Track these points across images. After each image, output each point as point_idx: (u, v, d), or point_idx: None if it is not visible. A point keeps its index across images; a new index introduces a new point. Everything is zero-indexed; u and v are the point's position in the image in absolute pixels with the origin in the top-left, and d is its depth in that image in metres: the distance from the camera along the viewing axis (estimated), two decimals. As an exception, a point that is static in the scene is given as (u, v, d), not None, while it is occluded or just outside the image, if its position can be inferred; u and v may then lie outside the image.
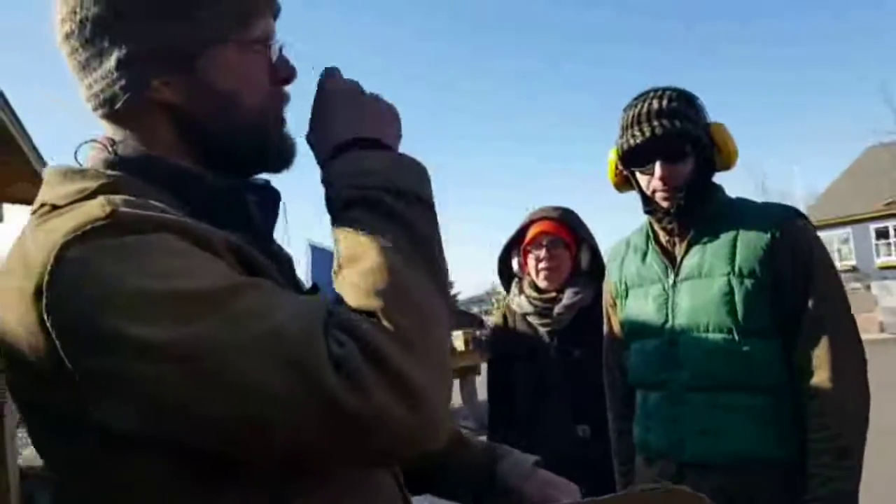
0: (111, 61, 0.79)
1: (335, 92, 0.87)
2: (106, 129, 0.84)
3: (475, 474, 1.06)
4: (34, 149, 4.73)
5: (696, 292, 1.65)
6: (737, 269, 1.60)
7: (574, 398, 2.18)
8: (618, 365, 1.92)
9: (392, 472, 0.88)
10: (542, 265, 2.25)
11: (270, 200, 0.90)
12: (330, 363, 0.62)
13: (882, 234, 22.81)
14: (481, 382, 6.99)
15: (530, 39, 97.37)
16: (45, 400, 0.70)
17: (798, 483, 1.51)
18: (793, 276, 1.56)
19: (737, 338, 1.57)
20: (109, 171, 0.79)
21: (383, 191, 0.75)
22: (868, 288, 15.76)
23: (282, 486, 0.72)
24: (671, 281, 1.71)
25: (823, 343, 1.52)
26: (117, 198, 0.71)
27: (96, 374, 0.64)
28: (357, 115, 0.84)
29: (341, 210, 0.76)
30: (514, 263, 2.38)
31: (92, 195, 0.73)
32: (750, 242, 1.61)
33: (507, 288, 2.45)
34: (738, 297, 1.58)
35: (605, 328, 2.00)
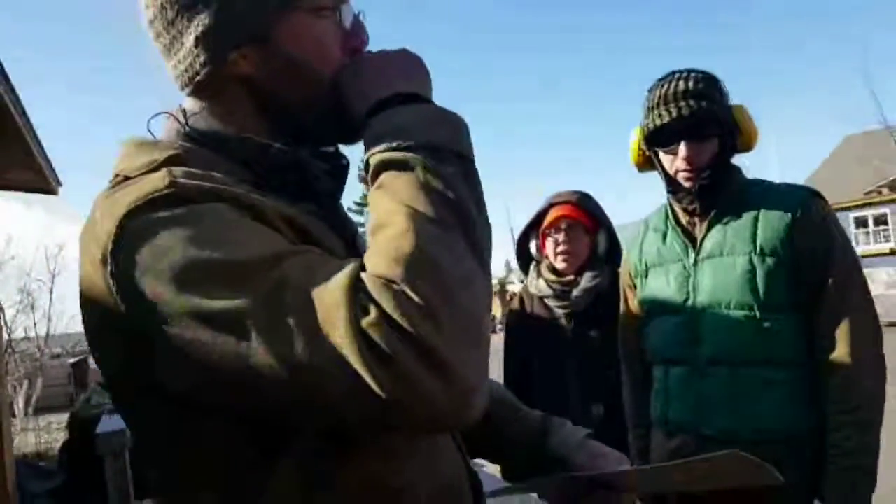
0: (190, 39, 0.82)
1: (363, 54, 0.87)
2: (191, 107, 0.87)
3: (528, 443, 1.07)
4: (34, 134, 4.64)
5: (717, 271, 1.68)
6: (758, 247, 1.63)
7: (589, 379, 2.21)
8: (635, 342, 1.95)
9: (451, 434, 0.89)
10: (560, 248, 2.27)
11: (339, 168, 0.91)
12: (356, 333, 0.62)
13: (861, 222, 23.14)
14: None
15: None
16: (118, 360, 0.73)
17: (819, 456, 1.55)
18: (812, 254, 1.60)
19: (758, 314, 1.61)
20: (179, 143, 0.82)
21: (418, 149, 0.73)
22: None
23: (334, 451, 0.74)
24: (692, 260, 1.74)
25: (843, 320, 1.57)
26: (179, 170, 0.74)
27: (149, 336, 0.67)
28: (389, 71, 0.83)
29: (374, 175, 0.75)
30: (533, 247, 2.40)
31: (159, 167, 0.76)
32: (771, 222, 1.64)
33: (525, 271, 2.47)
34: (759, 276, 1.62)
35: (622, 307, 2.03)
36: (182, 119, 0.84)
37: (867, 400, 1.53)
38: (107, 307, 0.69)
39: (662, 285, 1.80)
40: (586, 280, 2.25)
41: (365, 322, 0.62)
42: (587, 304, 2.25)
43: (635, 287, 1.94)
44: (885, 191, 20.60)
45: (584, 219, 2.28)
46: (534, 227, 2.39)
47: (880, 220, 22.56)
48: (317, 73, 0.85)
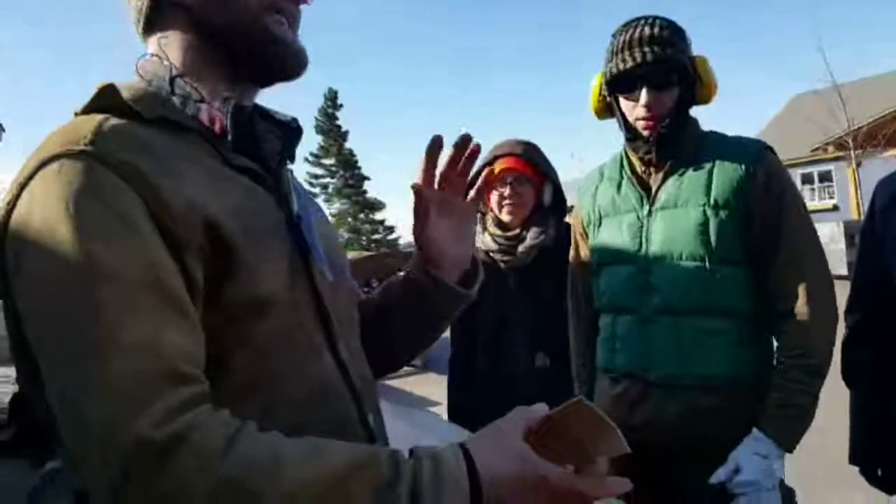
0: None
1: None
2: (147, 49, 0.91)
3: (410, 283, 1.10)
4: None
5: (671, 222, 1.70)
6: (712, 200, 1.65)
7: (534, 330, 2.23)
8: (584, 292, 1.97)
9: (354, 393, 0.90)
10: (505, 201, 2.25)
11: (290, 132, 0.95)
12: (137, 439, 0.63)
13: (807, 179, 23.74)
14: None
15: None
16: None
17: (762, 402, 1.59)
18: (765, 208, 1.62)
19: (709, 266, 1.63)
20: (140, 85, 0.85)
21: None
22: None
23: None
24: (646, 210, 1.75)
25: (796, 271, 1.60)
26: (111, 124, 0.76)
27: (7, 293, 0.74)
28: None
29: None
30: None
31: (106, 110, 0.79)
32: (726, 174, 1.66)
33: None
34: (712, 228, 1.64)
35: (572, 256, 2.04)
36: (138, 65, 0.87)
37: (818, 347, 1.56)
38: None
39: (615, 234, 1.81)
40: (532, 236, 2.24)
41: (157, 435, 0.63)
42: (533, 258, 2.25)
43: (587, 235, 1.94)
44: (830, 148, 21.08)
45: (529, 171, 2.25)
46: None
47: (825, 177, 23.17)
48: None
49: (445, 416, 2.39)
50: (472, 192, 1.07)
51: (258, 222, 0.82)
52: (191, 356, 0.70)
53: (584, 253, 1.97)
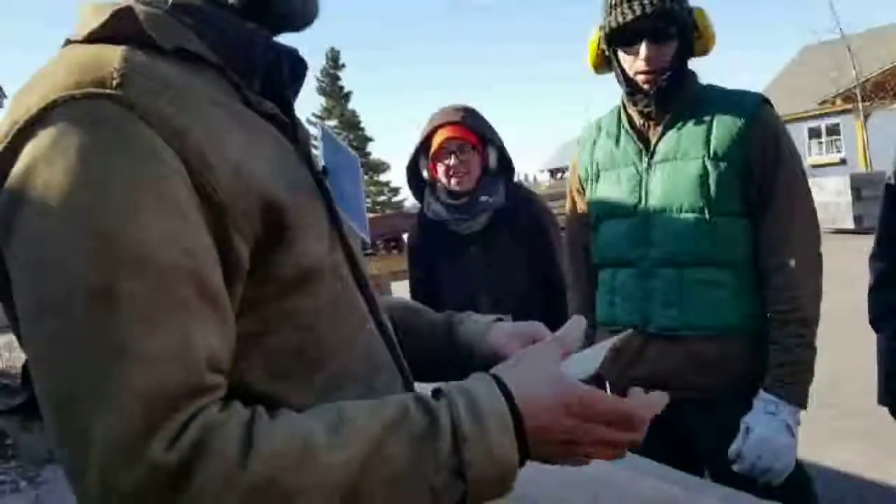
0: None
1: None
2: None
3: (433, 340, 0.99)
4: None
5: (670, 174, 1.70)
6: (712, 152, 1.65)
7: (496, 292, 2.25)
8: (582, 246, 1.98)
9: (399, 365, 0.82)
10: (452, 172, 2.24)
11: (300, 70, 0.80)
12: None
13: (815, 132, 23.47)
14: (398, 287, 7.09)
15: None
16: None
17: (761, 350, 1.63)
18: (763, 160, 1.63)
19: (708, 217, 1.64)
20: (148, 9, 0.68)
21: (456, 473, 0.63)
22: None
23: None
24: (645, 164, 1.75)
25: (788, 224, 1.63)
26: (140, 61, 0.62)
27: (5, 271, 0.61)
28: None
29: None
30: (424, 172, 2.35)
31: (119, 37, 0.64)
32: (725, 127, 1.66)
33: (418, 196, 2.43)
34: (711, 180, 1.64)
35: (569, 210, 2.05)
36: None
37: (809, 299, 1.61)
38: None
39: (614, 188, 1.81)
40: (481, 204, 2.24)
41: (167, 458, 0.54)
42: (486, 223, 2.26)
43: (584, 190, 1.94)
44: (838, 101, 20.81)
45: (471, 138, 2.24)
46: (422, 151, 2.32)
47: (832, 131, 22.89)
48: None
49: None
50: None
51: (297, 179, 0.71)
52: (219, 360, 0.60)
53: (581, 207, 1.97)
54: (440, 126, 2.24)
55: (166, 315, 0.56)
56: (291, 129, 0.76)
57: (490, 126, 2.31)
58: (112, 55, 0.61)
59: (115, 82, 0.59)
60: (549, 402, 0.67)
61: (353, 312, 0.75)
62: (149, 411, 0.54)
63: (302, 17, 0.80)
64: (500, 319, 0.97)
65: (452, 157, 2.22)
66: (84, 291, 0.54)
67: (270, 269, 0.65)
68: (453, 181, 2.24)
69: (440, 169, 2.26)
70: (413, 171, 2.39)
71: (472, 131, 2.24)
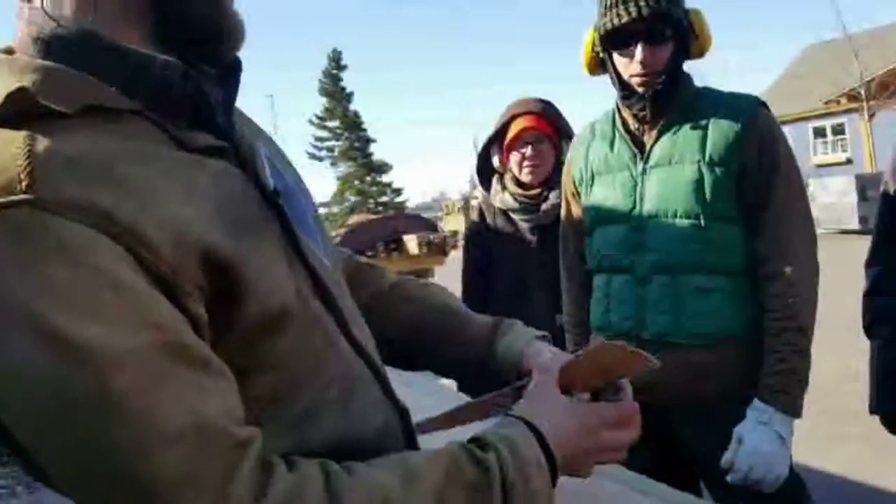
0: None
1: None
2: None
3: (474, 351, 0.97)
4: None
5: (665, 179, 1.68)
6: (707, 156, 1.63)
7: (554, 290, 2.22)
8: (577, 251, 1.95)
9: (375, 371, 0.81)
10: (526, 162, 2.24)
11: (230, 72, 0.74)
12: None
13: (820, 132, 23.40)
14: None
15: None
16: None
17: (756, 357, 1.60)
18: (759, 165, 1.61)
19: (703, 223, 1.62)
20: (38, 62, 0.61)
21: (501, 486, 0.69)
22: (805, 185, 16.27)
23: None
24: (640, 168, 1.73)
25: (785, 231, 1.60)
26: (43, 146, 0.55)
27: None
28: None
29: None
30: (496, 160, 2.35)
31: (15, 119, 0.57)
32: (721, 131, 1.63)
33: (485, 185, 2.43)
34: (707, 185, 1.62)
35: (563, 215, 2.01)
36: (39, 18, 0.64)
37: (805, 307, 1.58)
38: None
39: (608, 193, 1.79)
40: (555, 195, 2.22)
41: None
42: (553, 218, 2.24)
43: (578, 195, 1.91)
44: (843, 101, 20.74)
45: (548, 129, 2.24)
46: (496, 140, 2.34)
47: (838, 130, 22.81)
48: None
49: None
50: None
51: (241, 212, 0.66)
52: (235, 413, 0.59)
53: (576, 212, 1.94)
54: (518, 115, 2.24)
55: (167, 393, 0.54)
56: (233, 152, 0.70)
57: (565, 120, 2.31)
58: (14, 149, 0.55)
59: (24, 184, 0.53)
60: (572, 432, 0.77)
61: (317, 334, 0.72)
62: (199, 477, 0.54)
63: (216, 39, 0.71)
64: (543, 337, 0.98)
65: (529, 147, 2.22)
66: (77, 410, 0.51)
67: (232, 322, 0.62)
68: (525, 171, 2.25)
69: (513, 158, 2.26)
70: (484, 159, 2.39)
71: (548, 122, 2.24)
